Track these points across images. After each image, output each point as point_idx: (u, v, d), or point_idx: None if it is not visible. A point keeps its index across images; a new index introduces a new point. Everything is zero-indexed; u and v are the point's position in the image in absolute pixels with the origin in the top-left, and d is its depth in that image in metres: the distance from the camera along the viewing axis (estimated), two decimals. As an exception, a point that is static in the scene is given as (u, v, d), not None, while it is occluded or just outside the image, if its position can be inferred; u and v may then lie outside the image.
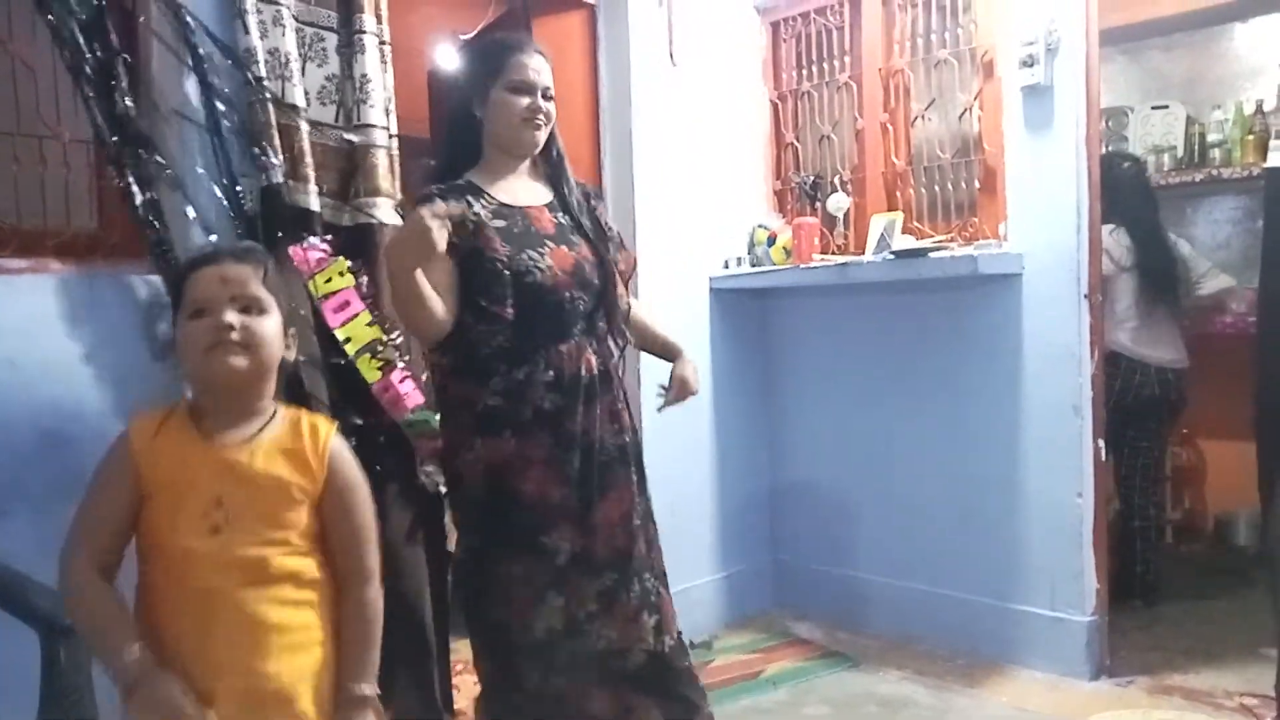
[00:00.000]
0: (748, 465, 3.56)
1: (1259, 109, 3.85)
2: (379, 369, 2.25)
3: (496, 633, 1.98)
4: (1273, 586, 2.45)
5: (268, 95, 2.13)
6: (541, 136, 2.07)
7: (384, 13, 2.37)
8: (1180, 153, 4.06)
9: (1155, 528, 3.51)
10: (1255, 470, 2.52)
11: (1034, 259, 2.89)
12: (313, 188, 2.20)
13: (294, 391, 1.93)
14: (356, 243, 2.27)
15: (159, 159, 2.01)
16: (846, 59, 3.42)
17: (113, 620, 1.42)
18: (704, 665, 3.05)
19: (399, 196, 2.37)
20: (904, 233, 3.16)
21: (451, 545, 2.22)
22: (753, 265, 3.48)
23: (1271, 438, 2.40)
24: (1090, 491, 2.83)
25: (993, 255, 2.89)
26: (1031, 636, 2.94)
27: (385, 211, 2.32)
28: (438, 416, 2.23)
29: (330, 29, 2.31)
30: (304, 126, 2.21)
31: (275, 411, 1.56)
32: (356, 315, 2.23)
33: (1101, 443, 2.85)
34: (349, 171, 2.32)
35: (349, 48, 2.31)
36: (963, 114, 3.12)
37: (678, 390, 2.27)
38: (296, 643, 1.48)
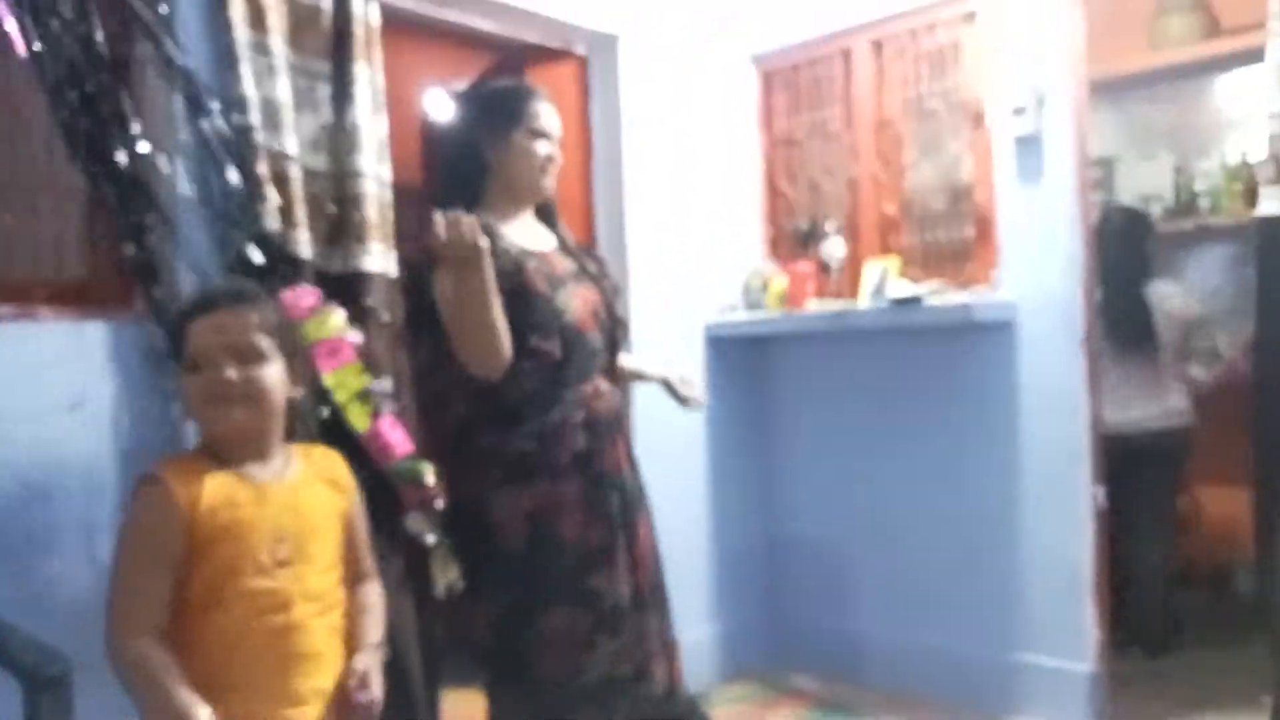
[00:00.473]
0: (744, 515, 3.53)
1: (1244, 159, 3.89)
2: (368, 417, 2.22)
3: (549, 685, 1.94)
4: (1272, 635, 2.42)
5: (261, 143, 2.13)
6: (554, 183, 2.09)
7: (377, 61, 2.38)
8: (1169, 202, 4.10)
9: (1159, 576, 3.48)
10: (1253, 518, 2.51)
11: (1028, 306, 2.90)
12: (305, 235, 2.20)
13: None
14: (347, 290, 2.26)
15: (152, 206, 2.01)
16: (839, 109, 3.46)
17: (168, 685, 1.38)
18: (700, 719, 3.00)
19: (391, 244, 2.37)
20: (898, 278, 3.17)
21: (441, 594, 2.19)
22: (747, 311, 3.48)
23: (1269, 486, 2.39)
24: (1089, 539, 2.80)
25: (986, 303, 2.89)
26: (1031, 687, 2.89)
27: (376, 260, 2.31)
28: (429, 465, 2.20)
29: (323, 78, 2.32)
30: (296, 174, 2.21)
31: (281, 447, 1.59)
32: (347, 363, 2.21)
33: (1100, 489, 2.83)
34: (340, 219, 2.32)
35: (342, 96, 2.32)
36: (954, 163, 3.14)
37: (682, 386, 2.26)
38: (337, 665, 1.56)
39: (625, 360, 2.32)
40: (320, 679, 1.50)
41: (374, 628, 1.62)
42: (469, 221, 1.73)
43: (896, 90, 3.29)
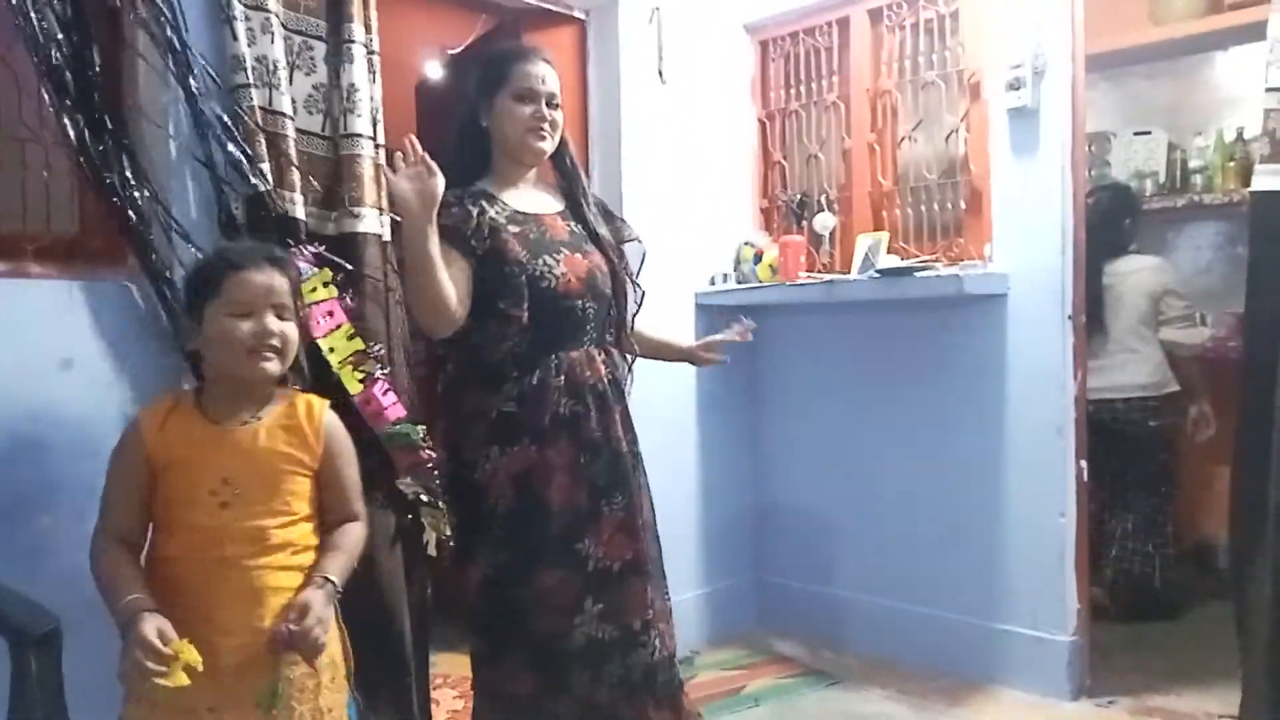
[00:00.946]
0: (732, 482, 3.56)
1: (1240, 136, 3.89)
2: (360, 381, 2.22)
3: (541, 643, 1.96)
4: (1238, 610, 2.45)
5: (254, 102, 2.11)
6: (548, 144, 2.07)
7: (373, 23, 2.36)
8: (1162, 178, 4.10)
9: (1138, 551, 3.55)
10: (1229, 494, 2.53)
11: (1019, 280, 2.91)
12: (298, 196, 2.19)
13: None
14: (340, 252, 2.25)
15: (140, 164, 2.00)
16: (834, 79, 3.44)
17: (121, 576, 1.54)
18: (686, 681, 3.03)
19: (385, 206, 2.36)
20: (889, 252, 3.17)
21: (432, 551, 2.21)
22: (739, 282, 3.48)
23: (1248, 465, 2.41)
24: (1073, 512, 2.84)
25: (978, 275, 2.90)
26: (1013, 656, 2.93)
27: (370, 221, 2.30)
28: (421, 429, 2.21)
29: (319, 38, 2.30)
30: (291, 134, 2.19)
31: (273, 394, 1.69)
32: (339, 326, 2.21)
33: (1084, 463, 2.86)
34: (334, 181, 2.30)
35: (337, 57, 2.30)
36: (949, 135, 3.13)
37: (705, 352, 2.29)
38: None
39: (651, 331, 2.31)
40: (255, 614, 1.57)
41: (332, 564, 1.65)
42: (417, 169, 1.79)
43: (893, 61, 3.27)
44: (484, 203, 1.98)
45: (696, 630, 3.38)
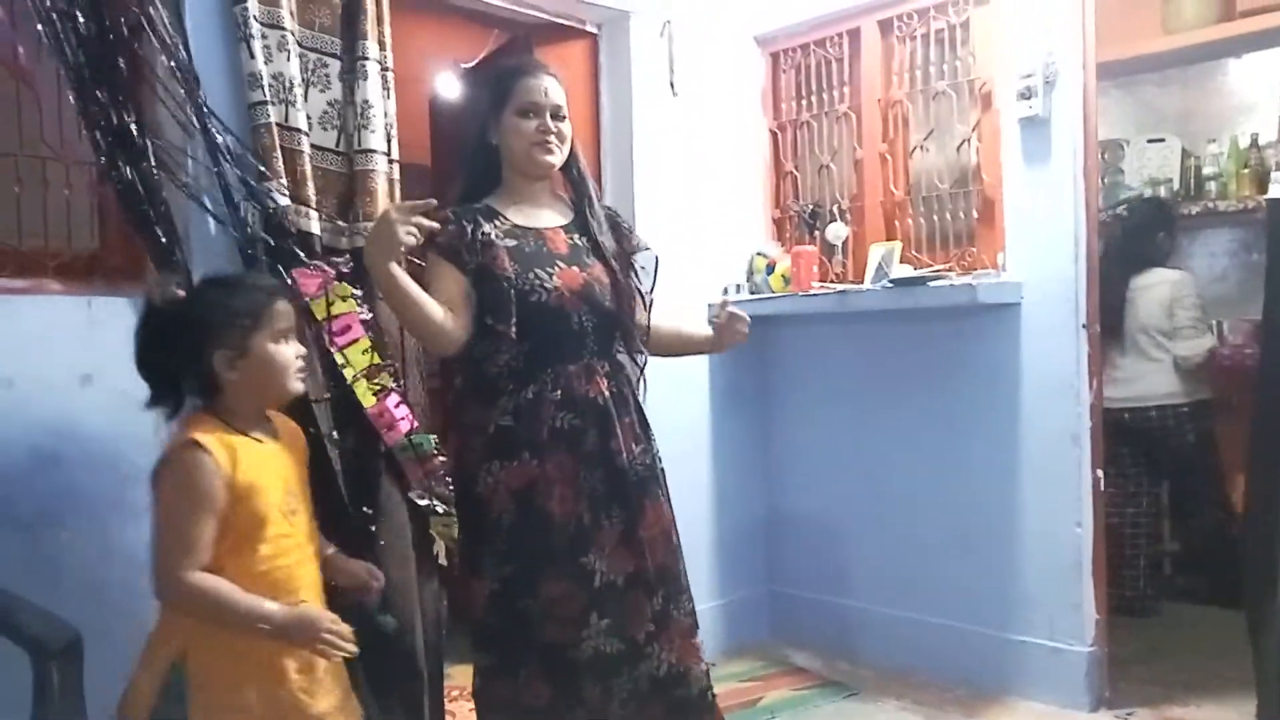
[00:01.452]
0: (745, 493, 3.55)
1: (1254, 143, 3.88)
2: (374, 394, 2.24)
3: (552, 652, 1.96)
4: (1250, 621, 2.44)
5: (271, 119, 2.14)
6: (555, 157, 2.07)
7: (387, 40, 2.39)
8: (1176, 185, 4.08)
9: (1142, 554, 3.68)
10: (1243, 500, 2.52)
11: (1032, 289, 2.90)
12: (314, 211, 2.21)
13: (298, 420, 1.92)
14: (354, 266, 2.28)
15: (160, 180, 2.02)
16: (846, 90, 3.45)
17: (239, 593, 1.56)
18: (700, 695, 3.04)
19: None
20: (902, 262, 3.17)
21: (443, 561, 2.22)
22: (751, 293, 3.49)
23: (1263, 471, 2.40)
24: (1089, 521, 2.82)
25: (991, 284, 2.90)
26: (1030, 667, 2.92)
27: (385, 236, 2.32)
28: (433, 439, 2.22)
29: (334, 55, 2.33)
30: (306, 150, 2.22)
31: None
32: (356, 340, 2.23)
33: (1100, 473, 2.84)
34: (348, 196, 2.33)
35: (351, 74, 2.33)
36: (961, 145, 3.14)
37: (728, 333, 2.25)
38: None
39: (684, 327, 2.30)
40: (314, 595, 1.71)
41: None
42: (401, 219, 1.79)
43: (904, 71, 3.28)
44: (480, 218, 2.00)
45: (711, 642, 3.35)
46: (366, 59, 2.32)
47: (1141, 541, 3.66)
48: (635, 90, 3.21)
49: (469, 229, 1.98)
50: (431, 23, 3.82)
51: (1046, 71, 2.82)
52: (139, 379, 1.65)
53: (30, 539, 1.90)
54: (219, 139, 2.11)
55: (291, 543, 1.67)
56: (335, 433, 2.19)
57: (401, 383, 2.30)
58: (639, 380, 2.17)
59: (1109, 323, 3.52)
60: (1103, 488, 2.86)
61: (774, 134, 3.66)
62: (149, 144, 2.02)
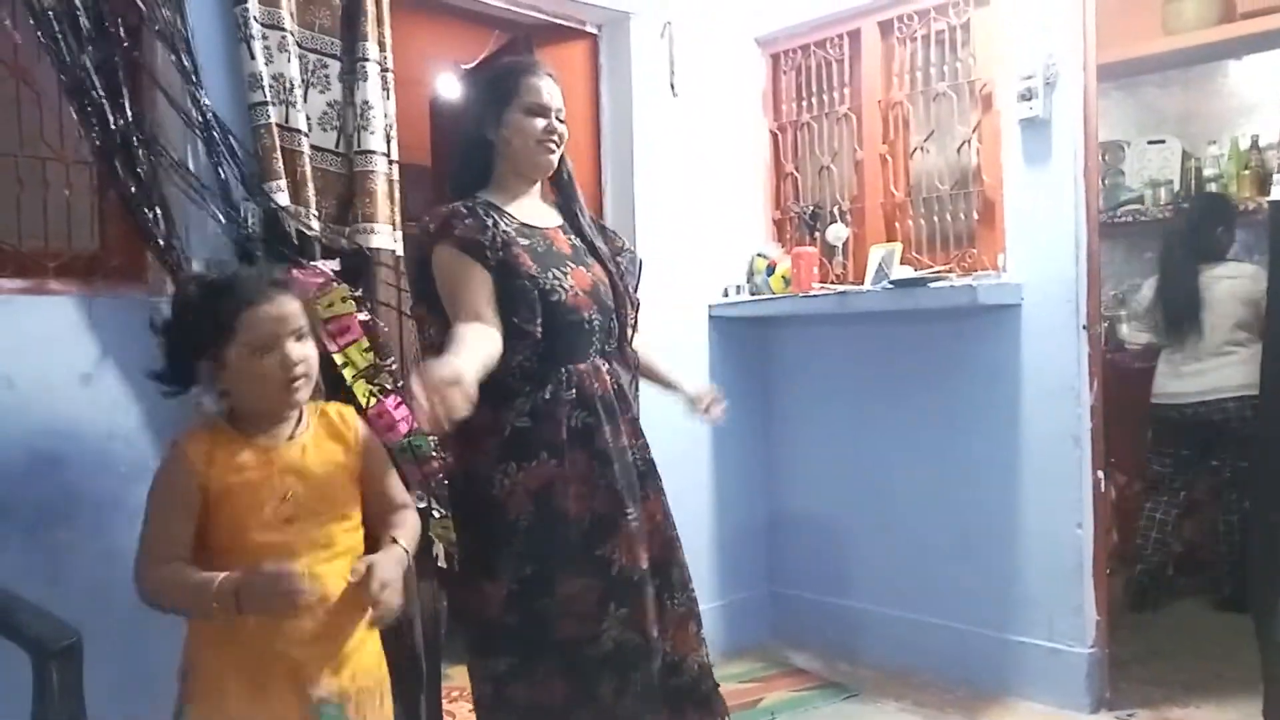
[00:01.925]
0: (745, 494, 3.55)
1: (1255, 144, 3.88)
2: (374, 395, 2.24)
3: (569, 649, 1.96)
4: (1257, 621, 2.44)
5: (271, 119, 2.14)
6: (555, 158, 2.08)
7: (387, 41, 2.39)
8: (1177, 187, 4.09)
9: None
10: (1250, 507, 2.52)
11: (1033, 290, 2.90)
12: (313, 212, 2.21)
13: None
14: (354, 267, 2.28)
15: (161, 181, 2.02)
16: (846, 91, 3.45)
17: (196, 574, 1.51)
18: (701, 696, 3.04)
19: (397, 222, 2.38)
20: (902, 263, 3.17)
21: (442, 563, 2.21)
22: (752, 294, 3.49)
23: (1271, 472, 2.40)
24: (1090, 523, 2.82)
25: (992, 285, 2.90)
26: (1030, 668, 2.92)
27: (383, 237, 2.33)
28: (432, 441, 2.22)
29: (333, 56, 2.33)
30: (306, 150, 2.22)
31: (302, 407, 1.69)
32: (354, 341, 2.23)
33: (1101, 474, 2.84)
34: (347, 197, 2.33)
35: (351, 75, 2.33)
36: (961, 146, 3.14)
37: (701, 403, 2.26)
38: (353, 605, 1.63)
39: (653, 358, 2.29)
40: (313, 617, 1.59)
41: (400, 534, 1.72)
42: (449, 389, 1.56)
43: (904, 72, 3.28)
44: (494, 214, 1.99)
45: (711, 643, 3.32)
46: (366, 60, 2.32)
47: (1170, 537, 3.75)
48: (635, 91, 3.21)
49: (489, 223, 1.96)
50: (431, 24, 3.81)
51: (1047, 73, 2.82)
52: (138, 379, 1.65)
53: (30, 539, 1.90)
54: (219, 139, 2.11)
55: (286, 551, 1.56)
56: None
57: (401, 383, 2.30)
58: (632, 377, 2.18)
59: (1174, 316, 3.64)
60: (1103, 489, 2.86)
61: (774, 135, 3.66)
62: (149, 143, 2.02)
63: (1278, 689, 2.37)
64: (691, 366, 3.36)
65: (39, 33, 1.90)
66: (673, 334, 3.26)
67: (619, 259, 2.18)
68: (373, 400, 2.23)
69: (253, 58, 2.13)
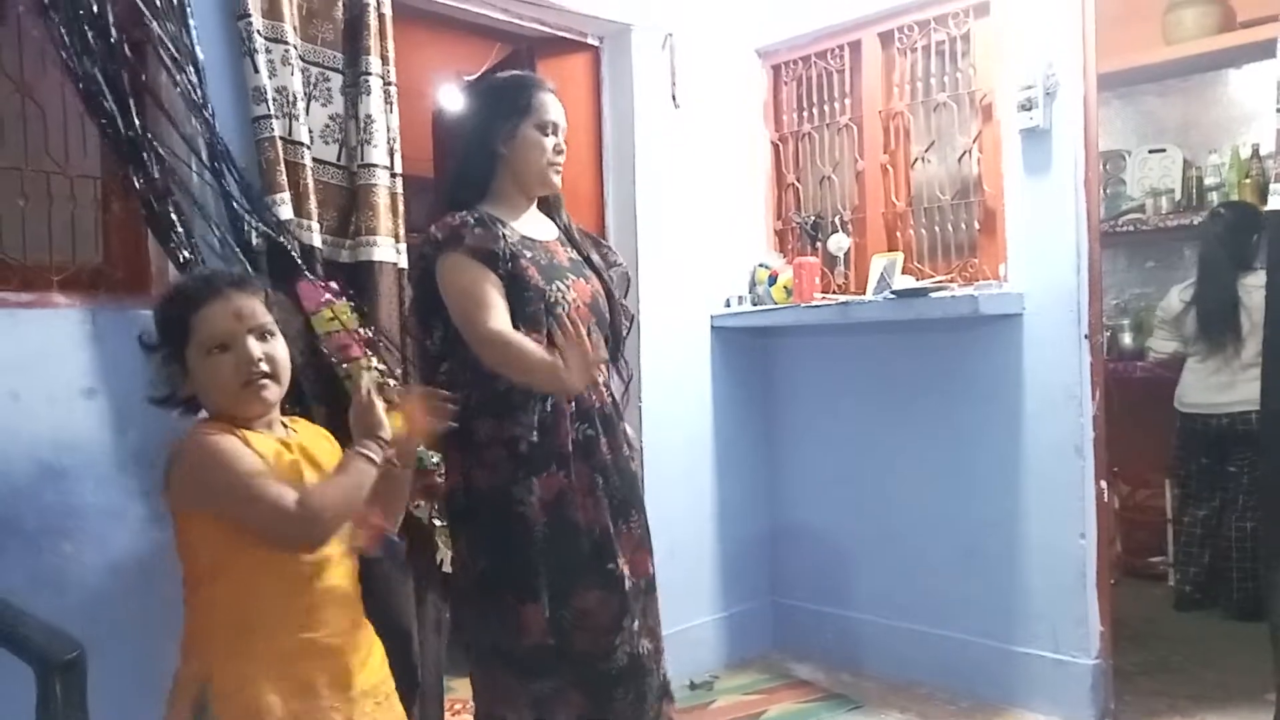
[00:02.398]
0: (748, 505, 3.55)
1: (1255, 153, 3.89)
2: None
3: (583, 664, 1.97)
4: (1272, 634, 2.43)
5: (275, 132, 2.14)
6: (560, 179, 2.10)
7: (390, 55, 2.40)
8: (1178, 196, 4.10)
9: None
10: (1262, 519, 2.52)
11: (1034, 299, 2.90)
12: (315, 224, 2.22)
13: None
14: (355, 280, 2.28)
15: (164, 194, 2.03)
16: (847, 101, 3.46)
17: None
18: (705, 706, 3.03)
19: (400, 235, 2.38)
20: (904, 273, 3.17)
21: (448, 568, 2.21)
22: (754, 304, 3.49)
23: (1275, 488, 2.40)
24: (1093, 533, 2.81)
25: (993, 295, 2.90)
26: (1034, 679, 2.90)
27: (385, 250, 2.33)
28: (434, 456, 2.22)
29: (336, 69, 2.34)
30: (309, 164, 2.23)
31: (275, 418, 1.65)
32: (356, 357, 2.23)
33: (1104, 484, 2.84)
34: (349, 209, 2.33)
35: (354, 88, 2.34)
36: (962, 156, 3.14)
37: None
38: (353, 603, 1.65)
39: None
40: (344, 612, 1.60)
41: None
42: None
43: (905, 83, 3.29)
44: (500, 225, 2.00)
45: (714, 654, 3.37)
46: (369, 74, 2.33)
47: (1205, 544, 3.77)
48: (637, 103, 3.22)
49: (499, 233, 1.97)
50: (434, 36, 3.83)
51: (1047, 82, 2.82)
52: (142, 391, 1.65)
53: (34, 551, 1.89)
54: (222, 152, 2.11)
55: None
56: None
57: (400, 397, 2.30)
58: (625, 391, 2.20)
59: (1210, 324, 3.63)
60: (1106, 499, 2.85)
61: (776, 146, 3.67)
62: (154, 157, 2.02)
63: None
64: (693, 377, 3.36)
65: (46, 47, 1.90)
66: (675, 344, 3.27)
67: (612, 272, 2.20)
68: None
69: (256, 71, 2.14)
